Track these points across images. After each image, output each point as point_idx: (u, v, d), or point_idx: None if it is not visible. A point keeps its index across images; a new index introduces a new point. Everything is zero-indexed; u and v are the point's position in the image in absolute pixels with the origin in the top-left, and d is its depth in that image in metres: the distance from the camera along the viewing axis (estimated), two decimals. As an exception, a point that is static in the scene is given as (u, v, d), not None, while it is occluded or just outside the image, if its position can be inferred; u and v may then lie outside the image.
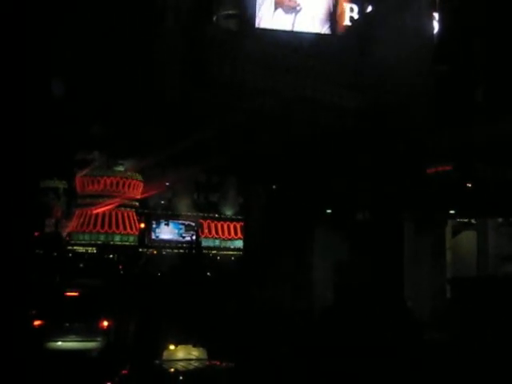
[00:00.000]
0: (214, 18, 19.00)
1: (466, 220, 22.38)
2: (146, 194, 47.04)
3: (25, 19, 12.02)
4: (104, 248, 43.18)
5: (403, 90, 16.81)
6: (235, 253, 47.05)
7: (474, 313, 15.37)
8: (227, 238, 51.59)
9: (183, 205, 49.64)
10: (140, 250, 46.07)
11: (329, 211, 21.12)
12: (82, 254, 42.59)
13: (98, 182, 44.77)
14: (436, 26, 18.68)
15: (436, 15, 18.75)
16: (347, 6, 19.17)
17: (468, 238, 22.30)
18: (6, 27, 11.73)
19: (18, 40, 11.89)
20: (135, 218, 46.91)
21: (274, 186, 23.04)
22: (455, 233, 22.23)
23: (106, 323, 14.70)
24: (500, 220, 21.45)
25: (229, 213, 52.03)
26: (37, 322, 14.00)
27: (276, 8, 18.39)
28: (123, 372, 7.95)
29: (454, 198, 18.03)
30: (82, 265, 32.94)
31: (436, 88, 17.01)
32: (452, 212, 19.79)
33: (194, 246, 42.83)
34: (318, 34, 18.66)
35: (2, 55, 11.66)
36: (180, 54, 14.87)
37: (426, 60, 17.17)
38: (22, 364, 11.12)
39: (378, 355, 11.76)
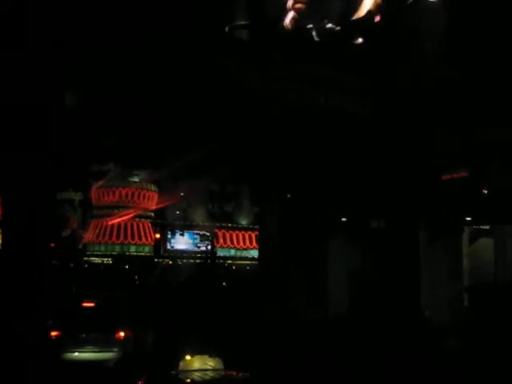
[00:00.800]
0: (227, 29, 19.08)
1: (483, 227, 22.15)
2: (161, 205, 47.21)
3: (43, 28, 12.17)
4: (120, 259, 43.34)
5: (417, 96, 16.75)
6: (250, 262, 46.99)
7: (491, 321, 15.18)
8: (242, 248, 51.57)
9: (198, 215, 49.76)
10: (155, 260, 46.17)
11: (344, 219, 21.04)
12: (97, 264, 42.76)
13: (113, 192, 45.04)
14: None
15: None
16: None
17: (485, 245, 22.02)
18: (25, 40, 11.90)
19: (34, 51, 12.04)
20: (150, 228, 47.08)
21: (288, 195, 23.02)
22: (472, 240, 21.99)
23: (122, 334, 14.73)
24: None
25: (243, 222, 52.04)
26: (54, 333, 14.08)
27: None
28: (140, 383, 7.96)
29: (469, 204, 17.89)
30: (98, 275, 33.05)
31: (449, 93, 16.92)
32: (468, 219, 19.62)
33: (209, 255, 42.86)
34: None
35: (18, 68, 11.83)
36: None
37: (437, 64, 17.08)
38: (39, 374, 11.17)
39: (394, 364, 11.65)
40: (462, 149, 16.79)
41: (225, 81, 15.32)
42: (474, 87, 16.87)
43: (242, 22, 18.75)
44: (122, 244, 45.21)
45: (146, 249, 46.54)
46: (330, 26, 17.88)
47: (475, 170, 16.98)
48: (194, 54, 14.89)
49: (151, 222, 47.51)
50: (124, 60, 14.05)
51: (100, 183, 44.69)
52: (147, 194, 46.41)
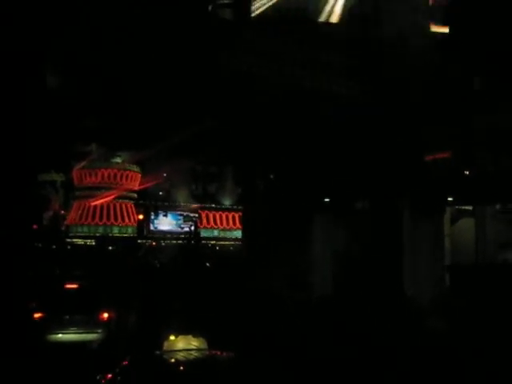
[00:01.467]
0: (210, 8, 18.88)
1: (464, 207, 22.39)
2: (144, 186, 47.02)
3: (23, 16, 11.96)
4: (103, 240, 43.19)
5: (401, 78, 16.77)
6: (234, 243, 47.12)
7: (473, 300, 15.41)
8: (226, 228, 51.63)
9: (181, 195, 49.68)
10: (139, 241, 46.10)
11: (327, 200, 21.12)
12: (80, 246, 42.61)
13: (96, 174, 44.73)
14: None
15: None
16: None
17: (466, 225, 22.30)
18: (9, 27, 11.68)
19: (17, 36, 11.83)
20: (133, 209, 46.93)
21: (271, 176, 23.03)
22: (454, 220, 22.24)
23: (106, 315, 14.73)
24: (498, 207, 21.46)
25: (227, 203, 52.06)
26: (37, 315, 14.03)
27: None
28: (124, 363, 7.95)
29: (452, 185, 18.02)
30: (80, 257, 32.93)
31: (435, 74, 16.97)
32: (450, 199, 19.79)
33: (192, 236, 42.87)
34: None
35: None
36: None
37: (424, 48, 17.12)
38: (23, 356, 11.14)
39: (377, 344, 11.79)
40: (446, 130, 16.89)
41: (209, 61, 15.20)
42: (459, 73, 16.94)
43: (226, 1, 18.59)
44: (104, 225, 45.03)
45: (130, 230, 46.41)
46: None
47: (458, 151, 17.11)
48: (178, 34, 14.73)
49: (134, 203, 47.32)
50: (106, 40, 13.87)
51: (82, 164, 44.31)
52: (130, 175, 46.16)
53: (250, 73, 16.01)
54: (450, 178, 17.56)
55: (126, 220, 46.11)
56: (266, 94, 16.09)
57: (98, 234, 44.58)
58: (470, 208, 22.16)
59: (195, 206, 49.66)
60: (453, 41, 17.30)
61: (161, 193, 50.28)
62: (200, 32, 15.43)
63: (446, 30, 17.88)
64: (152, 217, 49.07)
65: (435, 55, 17.33)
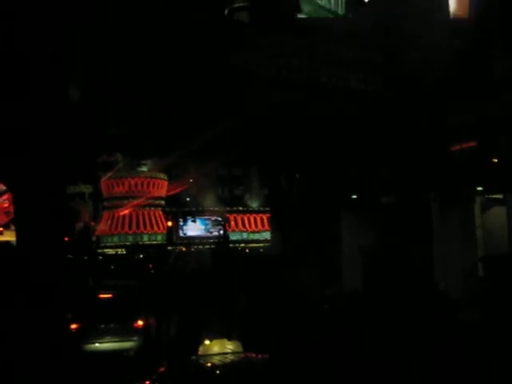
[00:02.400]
0: (226, 12, 18.94)
1: (494, 196, 22.04)
2: (171, 192, 47.30)
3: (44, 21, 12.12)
4: (133, 248, 43.58)
5: (424, 67, 16.59)
6: (263, 245, 47.08)
7: (507, 291, 15.16)
8: (254, 231, 51.64)
9: (208, 200, 49.83)
10: (169, 248, 46.39)
11: (354, 196, 21.02)
12: (112, 255, 43.04)
13: (123, 183, 45.15)
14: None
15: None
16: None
17: (498, 215, 21.94)
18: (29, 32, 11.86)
19: (39, 46, 12.02)
20: (162, 216, 47.22)
21: (297, 175, 23.01)
22: (484, 210, 21.91)
23: (140, 322, 14.89)
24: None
25: (254, 205, 52.07)
26: (73, 326, 14.25)
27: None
28: (161, 370, 8.04)
29: (480, 174, 17.79)
30: (112, 266, 33.30)
31: (457, 63, 16.74)
32: (479, 189, 19.51)
33: (222, 240, 42.97)
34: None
35: (22, 62, 11.81)
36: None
37: (446, 35, 16.87)
38: (63, 367, 11.31)
39: (413, 338, 11.69)
40: (472, 119, 16.66)
41: (229, 63, 15.25)
42: (482, 59, 16.70)
43: (242, 4, 18.61)
44: (134, 234, 45.40)
45: (159, 237, 46.71)
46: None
47: (485, 139, 16.87)
48: (199, 39, 14.82)
49: (162, 211, 47.65)
50: (126, 49, 14.01)
51: (109, 175, 44.78)
52: (157, 183, 46.49)
53: (273, 73, 16.01)
54: (478, 167, 17.33)
55: (155, 228, 46.43)
56: (287, 93, 16.07)
57: (128, 243, 44.99)
58: (501, 196, 21.81)
59: (223, 209, 49.76)
60: (476, 24, 17.01)
61: (188, 199, 50.52)
62: (216, 35, 15.48)
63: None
64: (181, 223, 49.33)
65: (456, 41, 17.10)
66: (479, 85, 16.46)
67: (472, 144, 17.29)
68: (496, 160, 17.26)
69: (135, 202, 44.72)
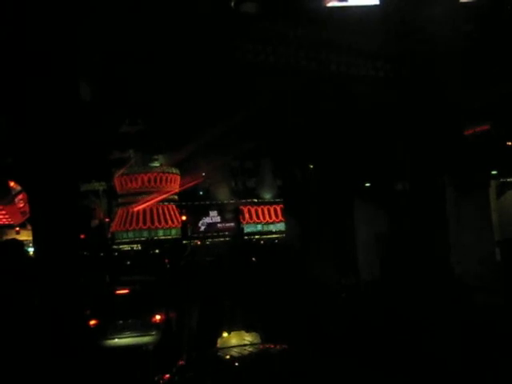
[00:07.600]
0: (232, 3, 18.84)
1: (510, 179, 21.84)
2: (184, 187, 47.39)
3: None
4: (148, 244, 43.76)
5: (436, 52, 16.43)
6: (278, 236, 47.10)
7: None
8: (268, 222, 51.67)
9: (221, 193, 49.91)
10: (184, 242, 46.54)
11: (367, 185, 20.94)
12: (127, 251, 43.27)
13: (136, 179, 45.29)
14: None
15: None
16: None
17: (514, 198, 21.73)
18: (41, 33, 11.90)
19: (50, 46, 12.05)
20: (176, 211, 47.38)
21: (311, 166, 22.93)
22: (500, 194, 21.72)
23: (158, 317, 14.98)
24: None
25: (267, 196, 52.05)
26: (92, 322, 14.37)
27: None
28: (180, 363, 8.09)
29: (494, 157, 17.63)
30: (128, 262, 33.45)
31: (469, 47, 16.56)
32: (494, 172, 19.34)
33: (236, 232, 43.04)
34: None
35: (34, 62, 11.87)
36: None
37: (458, 20, 16.68)
38: (83, 364, 11.42)
39: (430, 323, 11.66)
40: (484, 102, 16.49)
41: (240, 55, 15.21)
42: (496, 41, 16.49)
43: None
44: (149, 229, 45.58)
45: (174, 231, 46.85)
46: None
47: (498, 122, 16.70)
48: (206, 32, 14.78)
49: (176, 205, 47.78)
50: (135, 44, 14.03)
51: (122, 171, 44.94)
52: (169, 178, 46.57)
53: (284, 63, 15.93)
54: (491, 151, 17.18)
55: (170, 222, 46.56)
56: (298, 83, 15.99)
57: (143, 238, 45.19)
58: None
59: (236, 202, 49.80)
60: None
61: (201, 192, 50.62)
62: (223, 26, 15.42)
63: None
64: (195, 217, 49.43)
65: (469, 26, 16.91)
66: (492, 68, 16.27)
67: (486, 127, 17.13)
68: (510, 143, 17.11)
69: (149, 197, 44.86)
